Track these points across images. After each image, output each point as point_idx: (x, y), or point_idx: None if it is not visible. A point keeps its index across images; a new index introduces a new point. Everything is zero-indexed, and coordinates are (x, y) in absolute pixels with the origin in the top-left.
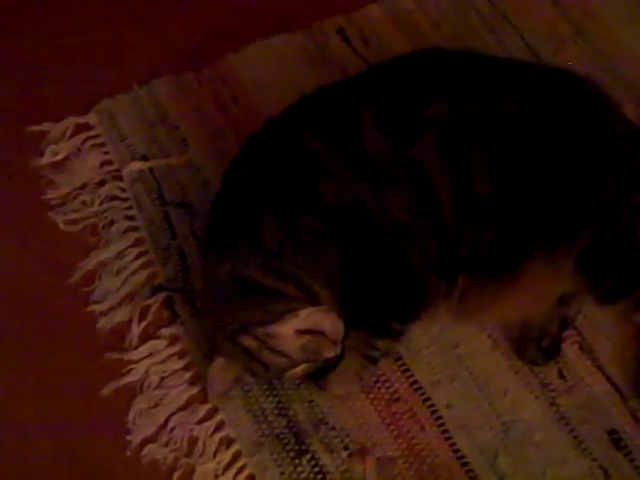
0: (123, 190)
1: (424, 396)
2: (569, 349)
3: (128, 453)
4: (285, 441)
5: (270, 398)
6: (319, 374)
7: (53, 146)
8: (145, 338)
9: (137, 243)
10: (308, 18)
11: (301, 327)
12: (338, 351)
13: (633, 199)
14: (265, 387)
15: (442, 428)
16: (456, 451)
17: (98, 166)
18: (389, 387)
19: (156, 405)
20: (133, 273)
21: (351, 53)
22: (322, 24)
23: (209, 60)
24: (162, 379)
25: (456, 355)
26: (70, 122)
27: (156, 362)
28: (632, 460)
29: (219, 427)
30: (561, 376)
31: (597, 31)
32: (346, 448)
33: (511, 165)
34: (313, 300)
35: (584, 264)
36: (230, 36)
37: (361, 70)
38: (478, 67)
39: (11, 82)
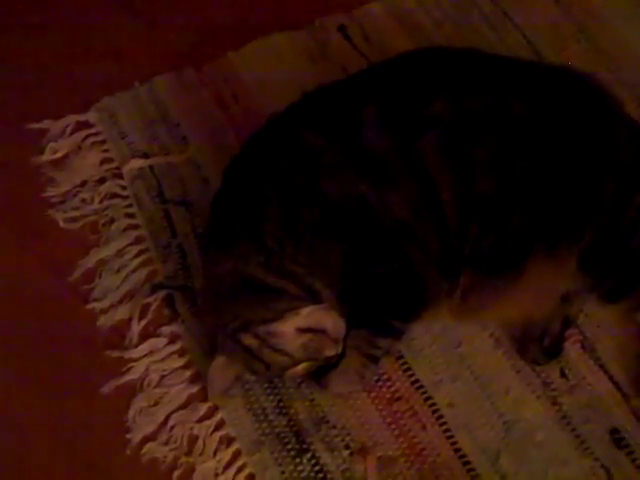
0: (123, 188)
1: (425, 395)
2: (571, 348)
3: (128, 451)
4: (286, 440)
5: (271, 397)
6: (320, 373)
7: (53, 144)
8: (145, 336)
9: (137, 241)
10: (309, 15)
11: (302, 325)
12: (339, 350)
13: (635, 198)
14: (266, 385)
15: (443, 427)
16: (457, 450)
17: (98, 164)
18: (390, 386)
19: (156, 403)
20: (133, 271)
21: (352, 51)
22: (323, 22)
23: (210, 58)
24: (162, 377)
25: (458, 354)
26: (70, 120)
27: (156, 360)
28: (634, 460)
29: (219, 426)
30: (563, 375)
31: (600, 30)
32: (347, 447)
33: (514, 163)
34: (314, 298)
35: (586, 263)
36: (231, 34)
37: (362, 68)
38: (481, 65)
39: (11, 80)
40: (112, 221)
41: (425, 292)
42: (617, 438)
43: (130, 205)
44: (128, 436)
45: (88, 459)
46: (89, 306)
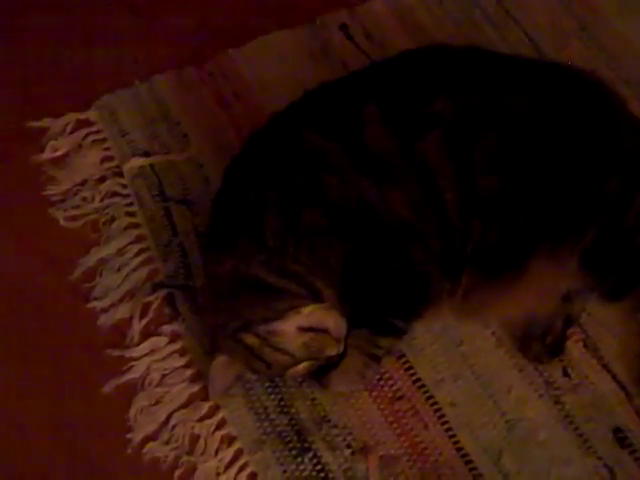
0: (124, 186)
1: (427, 394)
2: (574, 347)
3: (129, 451)
4: (287, 439)
5: (272, 396)
6: (321, 372)
7: (53, 142)
8: (146, 335)
9: (138, 240)
10: (310, 13)
11: (303, 325)
12: (340, 349)
13: (638, 196)
14: (267, 385)
15: (445, 426)
16: (460, 449)
17: (99, 162)
18: (392, 385)
19: (157, 403)
20: (134, 270)
21: (354, 49)
22: (325, 19)
23: (210, 56)
24: (163, 376)
25: (460, 353)
26: (70, 118)
27: (157, 359)
28: (637, 459)
29: (221, 425)
30: (565, 374)
31: (601, 27)
32: (349, 446)
33: (516, 161)
34: (316, 297)
35: (589, 261)
36: (232, 32)
37: (364, 66)
38: (483, 63)
39: (11, 78)
40: (113, 220)
41: (427, 291)
42: (620, 437)
43: (131, 204)
44: (129, 435)
45: (89, 459)
46: (90, 305)
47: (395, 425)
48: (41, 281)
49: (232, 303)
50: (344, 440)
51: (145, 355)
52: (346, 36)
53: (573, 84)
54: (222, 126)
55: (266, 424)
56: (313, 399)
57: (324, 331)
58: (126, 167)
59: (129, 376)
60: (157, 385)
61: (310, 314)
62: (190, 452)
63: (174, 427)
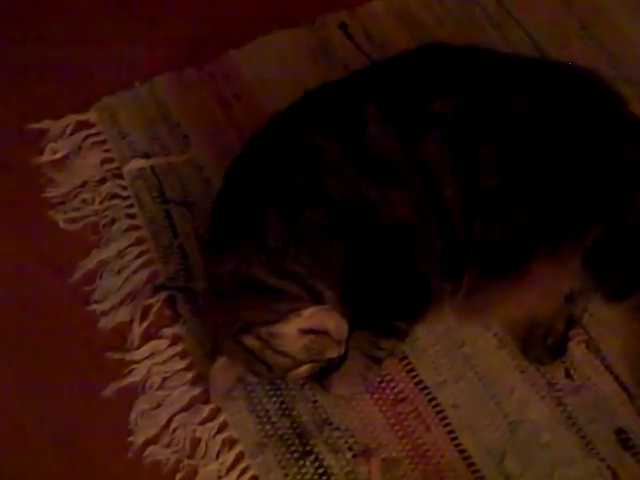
0: (124, 188)
1: (429, 396)
2: (576, 348)
3: (130, 454)
4: (289, 442)
5: (273, 398)
6: (323, 374)
7: (53, 144)
8: (147, 338)
9: (138, 242)
10: (310, 13)
11: (304, 327)
12: (342, 351)
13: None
14: (268, 387)
15: (448, 428)
16: (462, 451)
17: (99, 164)
18: (394, 387)
19: (158, 406)
20: (134, 272)
21: (354, 49)
22: (324, 19)
23: (211, 56)
24: (164, 379)
25: (462, 354)
26: (70, 119)
27: (158, 362)
28: None
29: (222, 428)
30: (568, 375)
31: (603, 26)
32: (350, 449)
33: (518, 161)
34: (317, 299)
35: (591, 261)
36: (232, 32)
37: (364, 66)
38: (483, 63)
39: (11, 79)
40: (113, 222)
41: (428, 292)
42: (623, 438)
43: (131, 206)
44: (130, 439)
45: (89, 462)
46: (90, 308)
47: (397, 427)
48: (41, 284)
49: (233, 305)
50: (346, 443)
51: (146, 358)
52: (346, 36)
53: (574, 83)
54: (223, 127)
55: (267, 427)
56: (315, 402)
57: (325, 333)
58: (126, 169)
59: (130, 379)
60: (158, 388)
61: (311, 316)
62: (191, 455)
63: (175, 430)
